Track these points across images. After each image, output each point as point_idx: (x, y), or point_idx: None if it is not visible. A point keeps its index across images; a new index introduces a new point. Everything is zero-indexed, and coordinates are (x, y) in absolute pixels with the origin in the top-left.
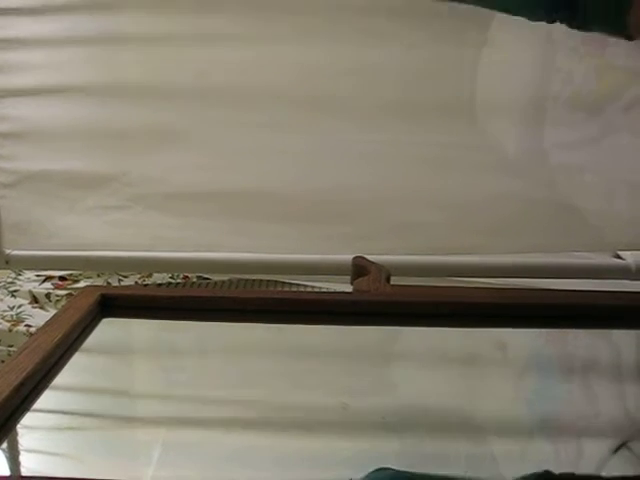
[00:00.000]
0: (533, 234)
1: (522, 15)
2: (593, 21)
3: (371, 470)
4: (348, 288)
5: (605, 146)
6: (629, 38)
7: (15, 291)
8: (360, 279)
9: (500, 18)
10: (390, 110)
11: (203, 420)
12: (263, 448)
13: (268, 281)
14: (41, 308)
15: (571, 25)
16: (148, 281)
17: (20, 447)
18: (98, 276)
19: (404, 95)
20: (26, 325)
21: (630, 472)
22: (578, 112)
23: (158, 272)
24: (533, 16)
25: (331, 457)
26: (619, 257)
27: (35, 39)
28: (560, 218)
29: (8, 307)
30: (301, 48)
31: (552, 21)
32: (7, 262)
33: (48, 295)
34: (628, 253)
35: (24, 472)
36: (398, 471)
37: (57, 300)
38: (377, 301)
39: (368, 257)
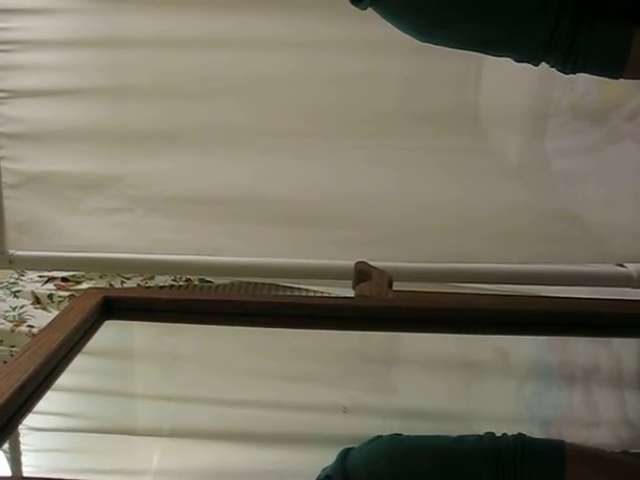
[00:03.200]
0: (537, 245)
1: (508, 56)
2: (586, 68)
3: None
4: (350, 293)
5: (608, 155)
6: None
7: (18, 291)
8: (362, 284)
9: None
10: (395, 118)
11: (204, 422)
12: (264, 449)
13: (270, 285)
14: (43, 309)
15: (562, 68)
16: (150, 283)
17: (22, 447)
18: (100, 278)
19: (409, 103)
20: (28, 326)
21: None
22: (581, 121)
23: (160, 274)
24: (520, 58)
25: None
26: (622, 265)
27: (39, 42)
28: (564, 229)
29: (10, 307)
30: (307, 54)
31: (537, 64)
32: (10, 262)
33: (50, 296)
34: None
35: (26, 472)
36: (393, 435)
37: (59, 301)
38: (379, 306)
39: (371, 263)
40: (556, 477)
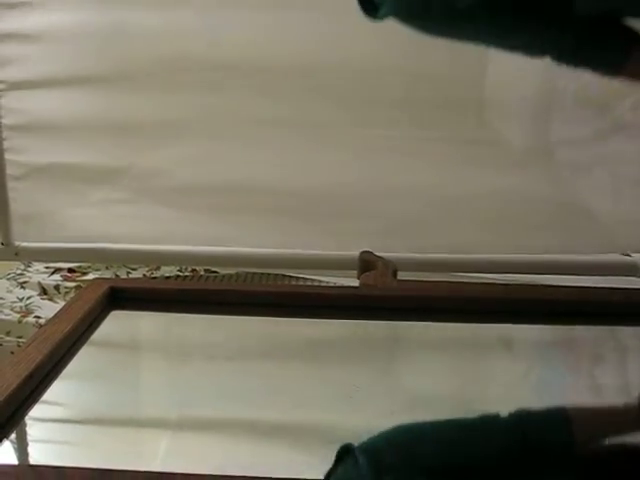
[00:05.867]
0: (541, 235)
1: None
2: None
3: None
4: (355, 283)
5: (613, 144)
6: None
7: (24, 282)
8: (367, 274)
9: None
10: (397, 106)
11: (210, 412)
12: (270, 438)
13: (275, 275)
14: (50, 300)
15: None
16: (156, 274)
17: (29, 437)
18: (107, 268)
19: (409, 91)
20: (35, 316)
21: None
22: (585, 110)
23: (166, 265)
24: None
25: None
26: (627, 255)
27: (42, 32)
28: (568, 218)
29: (17, 298)
30: (303, 44)
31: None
32: (16, 254)
33: (57, 287)
34: None
35: (32, 462)
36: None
37: (66, 292)
38: (383, 296)
39: (376, 253)
40: (563, 434)
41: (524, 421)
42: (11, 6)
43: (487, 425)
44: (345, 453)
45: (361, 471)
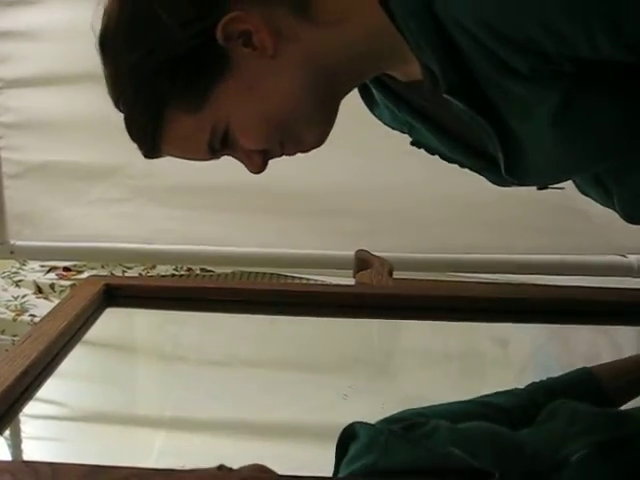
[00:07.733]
0: (539, 235)
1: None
2: None
3: None
4: (351, 282)
5: None
6: None
7: (19, 281)
8: (363, 272)
9: None
10: None
11: (204, 410)
12: (264, 438)
13: (271, 274)
14: (45, 298)
15: None
16: (152, 273)
17: (23, 434)
18: (102, 267)
19: None
20: (30, 315)
21: None
22: None
23: (162, 264)
24: None
25: (331, 444)
26: (623, 256)
27: (39, 29)
28: (566, 219)
29: (12, 297)
30: None
31: None
32: (12, 252)
33: (52, 285)
34: None
35: (26, 459)
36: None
37: (61, 291)
38: (379, 294)
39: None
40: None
41: (545, 382)
42: (8, 4)
43: (502, 393)
44: (349, 435)
45: (375, 431)
